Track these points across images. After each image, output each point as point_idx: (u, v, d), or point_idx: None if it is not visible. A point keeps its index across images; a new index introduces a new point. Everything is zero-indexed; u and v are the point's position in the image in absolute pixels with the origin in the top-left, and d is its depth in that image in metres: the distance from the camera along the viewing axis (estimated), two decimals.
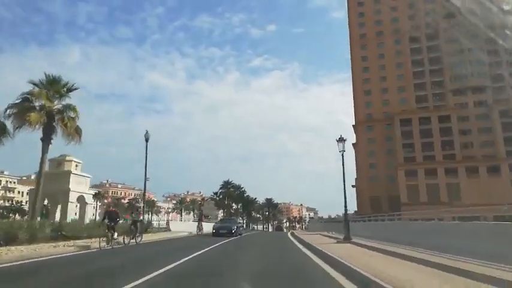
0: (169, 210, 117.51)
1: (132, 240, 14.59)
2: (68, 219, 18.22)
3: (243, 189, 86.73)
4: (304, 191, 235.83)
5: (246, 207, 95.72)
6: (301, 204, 78.72)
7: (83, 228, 14.41)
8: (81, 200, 20.85)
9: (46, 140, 15.70)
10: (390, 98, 78.58)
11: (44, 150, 15.55)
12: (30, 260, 8.59)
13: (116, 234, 12.78)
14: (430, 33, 77.20)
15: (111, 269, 7.80)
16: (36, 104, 15.68)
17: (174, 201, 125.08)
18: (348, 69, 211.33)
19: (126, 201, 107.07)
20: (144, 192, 23.06)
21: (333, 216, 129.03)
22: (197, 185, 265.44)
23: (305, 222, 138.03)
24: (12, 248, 9.89)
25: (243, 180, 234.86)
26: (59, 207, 19.89)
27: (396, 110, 76.04)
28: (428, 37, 77.54)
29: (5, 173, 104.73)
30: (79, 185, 20.31)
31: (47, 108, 15.50)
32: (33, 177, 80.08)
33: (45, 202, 21.31)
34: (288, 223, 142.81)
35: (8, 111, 15.62)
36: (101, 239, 12.12)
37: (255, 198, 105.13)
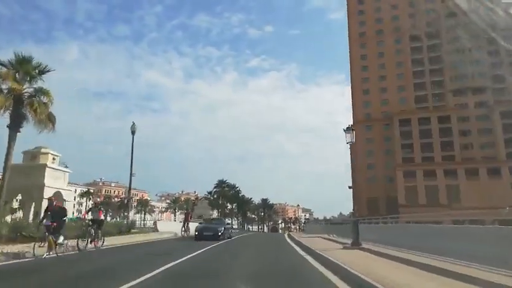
0: (163, 209, 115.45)
1: (90, 245, 11.87)
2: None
3: (238, 188, 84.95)
4: (299, 192, 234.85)
5: (241, 207, 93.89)
6: (298, 205, 77.12)
7: None
8: (58, 197, 18.93)
9: (14, 128, 13.83)
10: (389, 97, 77.16)
11: (11, 139, 13.70)
12: None
13: (61, 237, 10.11)
14: (431, 32, 75.89)
15: None
16: (4, 86, 13.85)
17: (168, 201, 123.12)
18: (347, 70, 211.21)
19: (118, 199, 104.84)
20: (130, 188, 21.23)
21: (328, 218, 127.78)
22: (194, 185, 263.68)
23: (300, 223, 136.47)
24: None
25: (240, 180, 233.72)
26: (34, 204, 17.99)
27: (395, 109, 74.66)
28: (428, 36, 76.21)
29: None
30: (56, 180, 18.43)
31: (15, 91, 13.65)
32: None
33: (19, 198, 19.39)
34: (283, 224, 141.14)
35: None
36: (35, 244, 9.31)
37: (251, 198, 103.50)
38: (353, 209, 12.13)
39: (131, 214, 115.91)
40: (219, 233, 18.42)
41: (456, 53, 72.71)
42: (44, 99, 14.42)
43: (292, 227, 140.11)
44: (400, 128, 73.04)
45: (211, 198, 77.73)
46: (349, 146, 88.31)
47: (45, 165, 17.63)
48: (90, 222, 12.40)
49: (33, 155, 18.14)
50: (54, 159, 18.63)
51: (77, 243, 11.29)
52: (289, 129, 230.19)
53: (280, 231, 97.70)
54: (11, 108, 13.91)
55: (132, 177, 19.40)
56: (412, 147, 72.18)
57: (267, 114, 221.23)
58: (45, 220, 10.08)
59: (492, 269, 6.23)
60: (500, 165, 66.88)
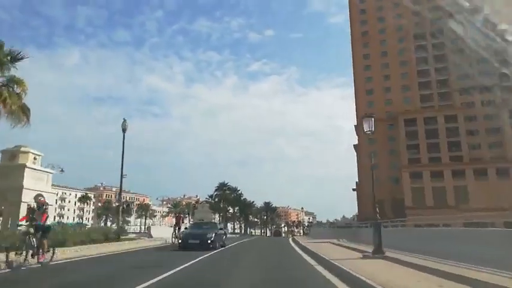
0: (164, 214, 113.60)
1: (31, 259, 8.67)
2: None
3: (239, 191, 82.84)
4: (301, 196, 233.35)
5: (243, 211, 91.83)
6: (302, 208, 75.05)
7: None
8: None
9: None
10: (393, 97, 75.40)
11: None
12: None
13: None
14: (435, 30, 74.08)
15: None
16: None
17: (170, 205, 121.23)
18: (347, 73, 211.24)
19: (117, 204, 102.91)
20: (120, 191, 19.51)
21: (331, 221, 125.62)
22: (195, 189, 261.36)
23: (304, 227, 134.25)
24: None
25: (242, 184, 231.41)
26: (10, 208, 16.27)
27: (400, 109, 72.86)
28: (433, 34, 74.43)
29: None
30: (38, 182, 16.72)
31: None
32: None
33: None
34: (286, 227, 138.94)
35: None
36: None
37: (253, 202, 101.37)
38: (374, 208, 9.78)
39: (132, 219, 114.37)
40: (209, 241, 14.81)
41: (462, 51, 70.84)
42: (17, 89, 12.78)
43: (295, 230, 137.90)
44: (405, 128, 71.21)
45: (212, 201, 75.71)
46: (353, 147, 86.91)
47: (24, 165, 15.94)
48: (31, 229, 9.01)
49: (12, 154, 16.44)
50: (35, 158, 16.93)
51: (7, 258, 7.98)
52: (290, 133, 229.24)
53: (283, 234, 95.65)
54: None
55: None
56: (418, 148, 70.27)
57: (267, 118, 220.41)
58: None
59: None
60: (509, 166, 64.81)
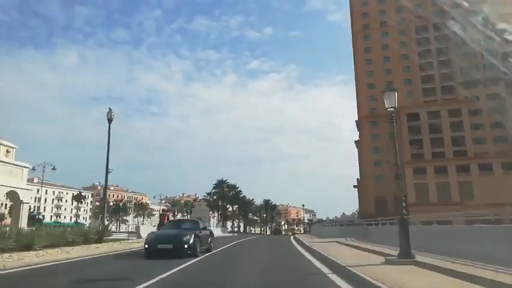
0: (158, 212, 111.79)
1: None
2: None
3: (238, 189, 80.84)
4: (301, 194, 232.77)
5: (242, 208, 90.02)
6: (304, 205, 73.50)
7: None
8: (13, 197, 15.43)
9: None
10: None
11: None
12: None
13: None
14: (438, 22, 72.23)
15: None
16: None
17: (168, 204, 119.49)
18: (346, 71, 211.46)
19: (113, 202, 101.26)
20: (105, 186, 17.74)
21: (331, 218, 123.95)
22: (195, 188, 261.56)
23: (303, 225, 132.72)
24: None
25: (241, 183, 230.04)
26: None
27: (402, 103, 71.01)
28: (435, 27, 72.59)
29: None
30: (11, 177, 14.96)
31: None
32: None
33: None
34: (286, 225, 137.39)
35: None
36: None
37: (252, 200, 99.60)
38: (403, 203, 7.77)
39: (130, 218, 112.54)
40: (185, 245, 10.89)
41: (465, 43, 69.06)
42: None
43: (295, 228, 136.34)
44: (408, 123, 69.47)
45: (211, 199, 73.71)
46: (354, 143, 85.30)
47: None
48: None
49: None
50: (8, 151, 15.14)
51: None
52: (289, 131, 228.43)
53: (283, 233, 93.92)
54: None
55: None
56: (421, 143, 68.58)
57: (266, 116, 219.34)
58: None
59: None
60: None
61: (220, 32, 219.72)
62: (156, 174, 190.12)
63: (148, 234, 12.16)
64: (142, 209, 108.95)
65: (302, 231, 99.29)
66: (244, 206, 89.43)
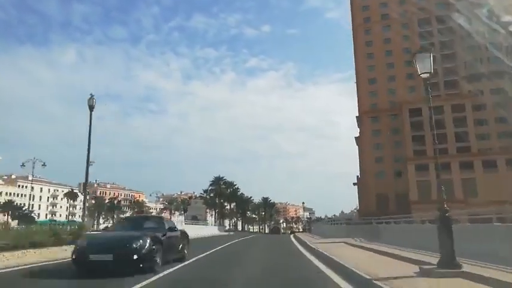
0: (158, 210, 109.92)
1: None
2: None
3: (236, 186, 78.84)
4: (300, 192, 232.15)
5: (240, 206, 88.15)
6: (303, 203, 71.64)
7: None
8: None
9: None
10: (397, 86, 71.91)
11: None
12: None
13: None
14: (442, 15, 70.42)
15: None
16: None
17: (165, 202, 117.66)
18: (344, 69, 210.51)
19: (108, 200, 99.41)
20: (86, 181, 15.89)
21: (329, 216, 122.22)
22: (193, 186, 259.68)
23: (302, 223, 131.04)
24: None
25: (240, 181, 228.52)
26: None
27: (404, 99, 69.42)
28: (439, 19, 70.76)
29: None
30: None
31: None
32: None
33: None
34: (285, 223, 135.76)
35: None
36: None
37: (250, 197, 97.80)
38: (439, 199, 6.09)
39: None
40: (134, 255, 7.37)
41: (469, 36, 67.30)
42: None
43: (294, 226, 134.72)
44: (410, 119, 67.77)
45: (207, 197, 71.66)
46: (354, 140, 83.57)
47: None
48: None
49: None
50: None
51: None
52: (287, 129, 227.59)
53: (282, 231, 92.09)
54: None
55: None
56: (423, 139, 66.82)
57: (264, 114, 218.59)
58: None
59: None
60: None
61: (218, 30, 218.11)
62: (154, 172, 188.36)
63: (80, 238, 9.06)
64: (138, 207, 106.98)
65: (301, 230, 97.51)
66: (242, 204, 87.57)
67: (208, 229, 46.66)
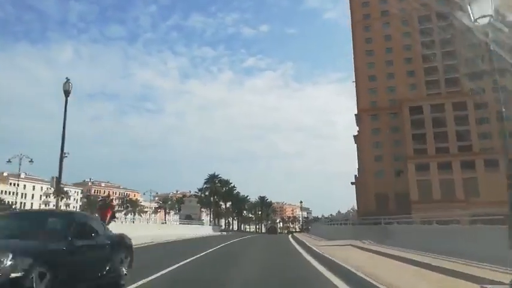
0: (151, 209, 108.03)
1: None
2: None
3: (232, 184, 76.88)
4: (296, 192, 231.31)
5: (236, 205, 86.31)
6: (301, 202, 69.92)
7: None
8: None
9: None
10: (397, 83, 70.46)
11: None
12: None
13: None
14: (442, 11, 68.96)
15: None
16: None
17: (160, 201, 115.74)
18: (343, 69, 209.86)
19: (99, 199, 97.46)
20: (60, 175, 14.11)
21: (326, 216, 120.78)
22: (189, 185, 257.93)
23: (299, 222, 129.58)
24: None
25: (236, 180, 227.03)
26: None
27: (404, 96, 67.99)
28: (439, 16, 69.30)
29: None
30: None
31: None
32: None
33: None
34: (282, 223, 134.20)
35: None
36: None
37: (247, 196, 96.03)
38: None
39: (120, 215, 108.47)
40: None
41: (471, 33, 65.88)
42: None
43: (291, 226, 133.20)
44: (410, 117, 66.34)
45: (202, 195, 69.62)
46: (353, 138, 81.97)
47: None
48: None
49: None
50: None
51: None
52: (284, 129, 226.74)
53: (278, 231, 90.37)
54: None
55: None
56: (424, 138, 65.42)
57: (262, 113, 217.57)
58: None
59: None
60: None
61: (216, 29, 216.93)
62: (151, 171, 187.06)
63: None
64: (133, 206, 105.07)
65: (298, 230, 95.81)
66: (239, 203, 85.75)
67: (202, 229, 44.76)
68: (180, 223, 47.99)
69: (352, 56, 76.80)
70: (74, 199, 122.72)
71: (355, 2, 76.76)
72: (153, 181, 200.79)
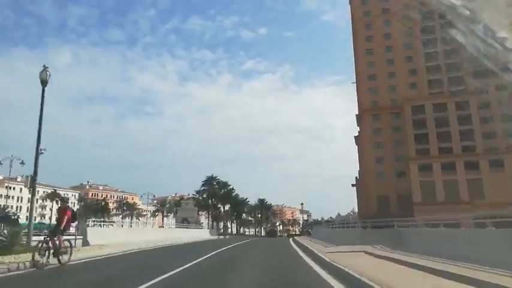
0: (150, 212, 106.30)
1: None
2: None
3: (230, 187, 74.98)
4: (296, 194, 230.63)
5: (235, 208, 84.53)
6: (302, 204, 68.22)
7: None
8: None
9: None
10: (399, 82, 69.13)
11: None
12: None
13: None
14: (444, 9, 67.67)
15: None
16: None
17: (158, 204, 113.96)
18: (341, 72, 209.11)
19: (95, 202, 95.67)
20: (35, 173, 12.60)
21: (326, 219, 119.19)
22: (188, 188, 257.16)
23: (299, 225, 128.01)
24: None
25: (235, 183, 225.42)
26: None
27: (406, 96, 66.61)
28: (441, 14, 68.01)
29: None
30: None
31: None
32: None
33: None
34: (281, 226, 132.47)
35: None
36: None
37: (246, 199, 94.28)
38: None
39: (117, 219, 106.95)
40: None
41: (473, 31, 64.57)
42: None
43: (291, 229, 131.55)
44: (412, 116, 64.90)
45: (200, 198, 67.66)
46: (354, 139, 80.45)
47: None
48: None
49: None
50: None
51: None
52: (283, 131, 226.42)
53: (278, 234, 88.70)
54: None
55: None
56: (426, 138, 63.95)
57: (261, 116, 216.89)
58: None
59: None
60: None
61: (215, 32, 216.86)
62: (149, 174, 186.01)
63: None
64: (130, 209, 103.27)
65: (298, 233, 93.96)
66: (238, 206, 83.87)
67: (199, 233, 43.03)
68: (176, 227, 46.33)
69: (353, 55, 75.55)
70: (71, 202, 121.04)
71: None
72: (153, 184, 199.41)
